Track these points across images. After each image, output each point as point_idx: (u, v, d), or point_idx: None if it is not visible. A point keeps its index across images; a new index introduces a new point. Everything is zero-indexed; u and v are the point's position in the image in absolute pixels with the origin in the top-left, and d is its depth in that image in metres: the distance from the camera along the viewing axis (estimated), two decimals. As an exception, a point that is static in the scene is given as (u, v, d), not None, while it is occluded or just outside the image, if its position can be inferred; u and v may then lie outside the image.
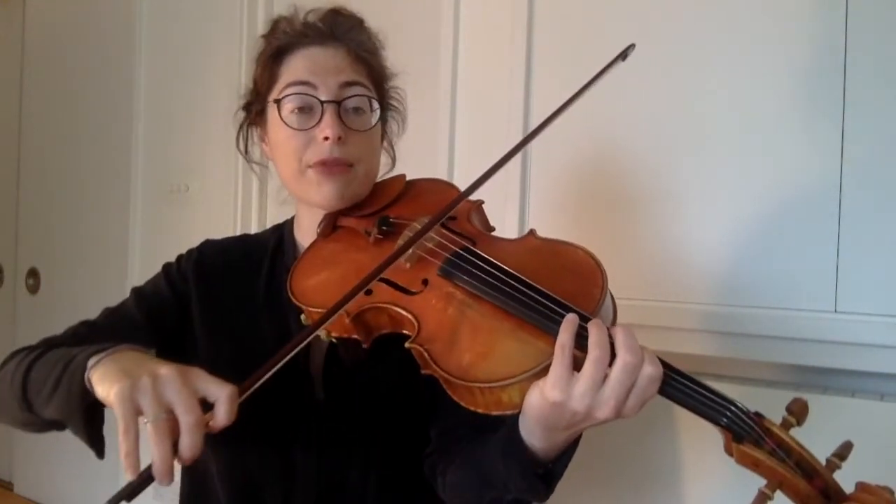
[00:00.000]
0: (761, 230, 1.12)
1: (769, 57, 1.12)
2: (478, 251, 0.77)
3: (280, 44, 0.90)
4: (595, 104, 1.29)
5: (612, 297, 0.73)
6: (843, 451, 0.64)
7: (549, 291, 0.69)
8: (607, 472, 1.24)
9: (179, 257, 1.01)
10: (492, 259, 0.75)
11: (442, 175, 1.49)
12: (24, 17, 2.68)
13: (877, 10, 1.03)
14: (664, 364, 0.65)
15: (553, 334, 0.65)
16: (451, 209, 0.78)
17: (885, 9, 1.03)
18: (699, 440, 1.16)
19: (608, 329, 0.64)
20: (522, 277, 0.71)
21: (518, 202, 1.38)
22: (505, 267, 0.73)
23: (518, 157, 1.38)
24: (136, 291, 1.00)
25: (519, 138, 1.39)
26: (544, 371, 0.64)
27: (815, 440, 1.07)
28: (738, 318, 1.12)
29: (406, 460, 0.89)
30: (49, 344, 0.93)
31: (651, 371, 0.63)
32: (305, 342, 0.67)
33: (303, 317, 0.83)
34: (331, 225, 0.91)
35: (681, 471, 1.17)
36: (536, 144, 1.38)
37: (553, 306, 0.67)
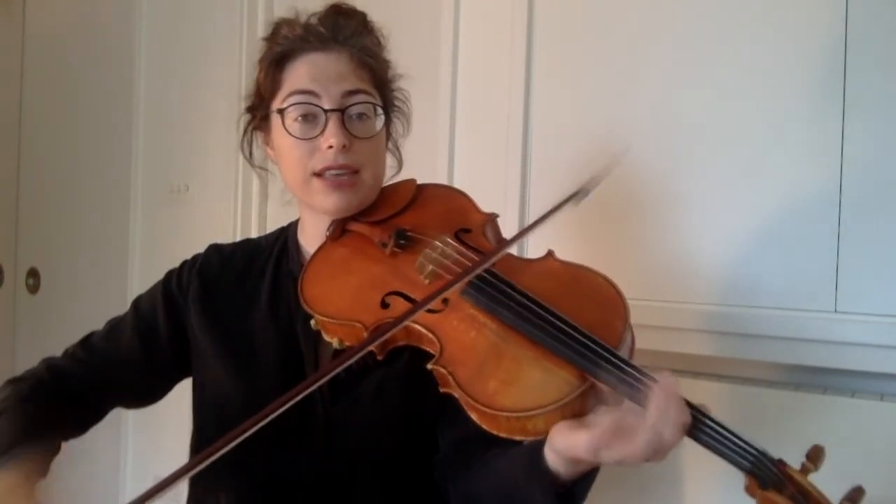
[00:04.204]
0: (761, 230, 1.12)
1: (769, 58, 1.11)
2: (500, 275, 0.76)
3: (282, 49, 0.90)
4: (594, 105, 1.30)
5: (632, 329, 0.72)
6: (856, 495, 0.64)
7: (573, 321, 0.69)
8: (612, 473, 1.24)
9: (183, 264, 1.01)
10: (516, 285, 0.74)
11: (442, 175, 1.49)
12: (24, 17, 2.68)
13: (877, 10, 1.03)
14: (692, 408, 0.63)
15: (578, 366, 0.65)
16: (492, 261, 0.75)
17: (885, 9, 1.03)
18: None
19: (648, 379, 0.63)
20: (547, 306, 0.71)
21: (518, 203, 1.38)
22: (530, 294, 0.72)
23: (518, 159, 1.39)
24: (135, 307, 1.01)
25: (519, 138, 1.40)
26: (569, 404, 0.64)
27: (815, 440, 1.08)
28: (738, 318, 1.12)
29: (414, 466, 0.88)
30: (47, 366, 0.97)
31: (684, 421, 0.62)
32: (263, 420, 0.64)
33: (313, 322, 0.82)
34: (340, 228, 0.90)
35: (685, 471, 1.17)
36: (536, 145, 1.38)
37: (582, 339, 0.67)
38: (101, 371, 0.96)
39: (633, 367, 0.65)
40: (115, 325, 1.00)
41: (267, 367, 0.91)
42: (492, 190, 1.41)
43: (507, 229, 1.37)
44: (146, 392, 1.00)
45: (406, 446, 0.88)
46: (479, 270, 0.74)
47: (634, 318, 1.19)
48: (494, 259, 0.75)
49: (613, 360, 0.65)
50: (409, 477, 0.89)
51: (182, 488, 0.65)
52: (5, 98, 2.71)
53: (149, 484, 0.62)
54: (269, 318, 0.93)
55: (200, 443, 0.97)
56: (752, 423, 1.11)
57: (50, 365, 0.97)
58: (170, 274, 1.00)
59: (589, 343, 0.66)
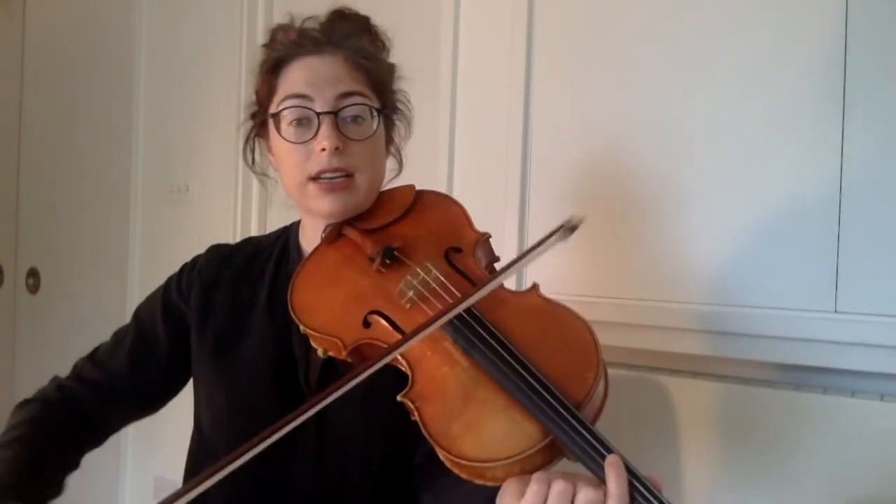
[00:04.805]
0: (761, 230, 1.12)
1: (769, 57, 1.12)
2: (480, 314, 0.75)
3: (277, 55, 0.89)
4: (595, 106, 1.30)
5: (605, 373, 0.72)
6: None
7: (544, 375, 0.69)
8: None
9: (182, 268, 1.01)
10: (492, 327, 0.74)
11: (442, 176, 1.49)
12: (24, 17, 2.68)
13: (877, 10, 1.03)
14: (641, 484, 0.63)
15: (542, 423, 0.66)
16: (472, 301, 0.74)
17: (885, 9, 1.03)
18: (698, 440, 1.15)
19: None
20: (521, 356, 0.71)
21: (518, 203, 1.38)
22: (506, 339, 0.72)
23: (518, 159, 1.39)
24: (136, 316, 1.01)
25: (519, 138, 1.40)
26: (528, 458, 0.65)
27: (816, 440, 1.08)
28: (737, 318, 1.12)
29: (403, 467, 0.88)
30: (57, 385, 0.98)
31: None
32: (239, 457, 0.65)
33: (301, 328, 0.82)
34: (335, 232, 0.90)
35: (681, 471, 1.17)
36: (536, 145, 1.38)
37: (549, 398, 0.67)
38: (108, 387, 0.98)
39: (591, 433, 0.65)
40: (119, 338, 1.01)
41: (261, 369, 0.91)
42: (492, 190, 1.41)
43: (507, 230, 1.38)
44: (154, 400, 1.02)
45: (395, 451, 0.88)
46: (449, 317, 0.72)
47: (635, 319, 1.20)
48: (467, 304, 0.73)
49: (575, 423, 0.65)
50: (399, 481, 0.88)
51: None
52: (5, 98, 2.71)
53: (148, 484, 0.62)
54: (267, 320, 0.92)
55: (200, 444, 0.97)
56: (752, 423, 1.11)
57: (59, 385, 0.98)
58: (169, 280, 1.00)
59: (553, 402, 0.66)
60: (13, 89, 2.69)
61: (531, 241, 1.37)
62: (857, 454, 1.02)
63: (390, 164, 0.99)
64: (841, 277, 1.05)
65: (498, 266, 0.90)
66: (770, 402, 1.09)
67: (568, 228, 0.71)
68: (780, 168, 1.10)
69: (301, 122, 0.87)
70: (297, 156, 0.87)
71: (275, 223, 1.86)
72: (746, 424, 1.12)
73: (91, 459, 0.99)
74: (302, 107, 0.86)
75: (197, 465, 0.96)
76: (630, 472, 0.63)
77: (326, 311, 0.82)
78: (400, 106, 0.98)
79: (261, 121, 0.93)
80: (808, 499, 1.05)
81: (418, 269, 0.82)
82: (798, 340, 1.07)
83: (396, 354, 0.72)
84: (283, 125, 0.87)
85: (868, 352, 1.02)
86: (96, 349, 1.01)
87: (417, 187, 0.97)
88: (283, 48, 0.90)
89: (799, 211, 1.09)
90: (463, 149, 1.50)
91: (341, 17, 0.92)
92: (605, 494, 0.62)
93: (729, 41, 1.15)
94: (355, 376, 0.68)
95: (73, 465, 0.94)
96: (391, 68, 0.96)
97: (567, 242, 0.72)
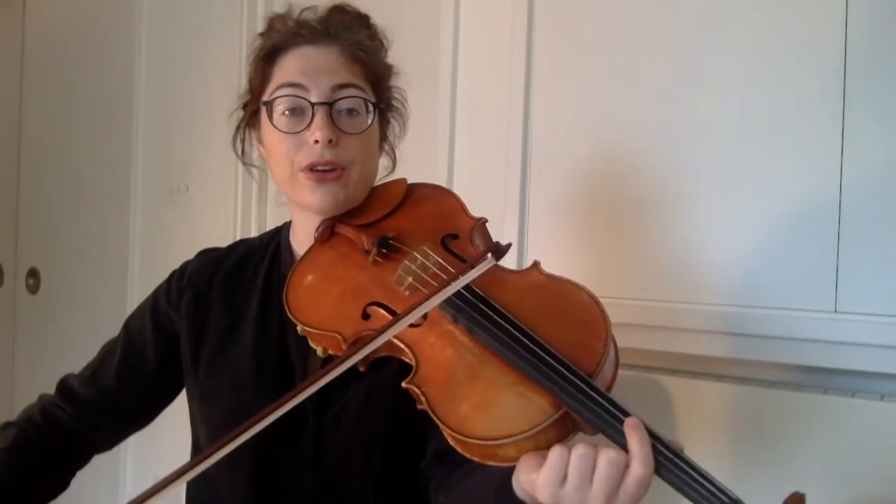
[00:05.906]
0: (762, 230, 1.12)
1: (769, 58, 1.11)
2: (480, 291, 0.74)
3: (273, 43, 0.88)
4: (595, 107, 1.30)
5: (614, 345, 0.71)
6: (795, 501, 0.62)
7: (552, 347, 0.67)
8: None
9: (171, 276, 0.98)
10: (495, 303, 0.73)
11: (442, 175, 1.49)
12: (24, 17, 2.68)
13: (877, 10, 1.03)
14: (666, 448, 0.62)
15: (554, 394, 0.64)
16: (463, 283, 0.72)
17: (885, 9, 1.03)
18: (698, 440, 1.15)
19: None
20: (525, 328, 0.70)
21: (518, 203, 1.38)
22: (509, 314, 0.71)
23: (518, 159, 1.39)
24: (125, 329, 0.99)
25: (519, 138, 1.40)
26: (542, 433, 0.64)
27: (816, 440, 1.08)
28: (738, 318, 1.12)
29: (405, 473, 0.87)
30: (41, 408, 0.97)
31: (640, 473, 0.61)
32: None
33: (299, 328, 0.81)
34: (328, 230, 0.89)
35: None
36: (536, 146, 1.38)
37: (559, 367, 0.65)
38: (97, 403, 0.96)
39: (607, 399, 0.64)
40: (107, 351, 0.99)
41: (259, 375, 0.89)
42: (492, 190, 1.41)
43: (507, 230, 1.38)
44: (143, 415, 1.00)
45: (396, 453, 0.87)
46: (444, 296, 0.71)
47: (635, 319, 1.20)
48: (458, 286, 0.72)
49: (588, 390, 0.64)
50: (399, 484, 0.87)
51: (182, 490, 0.65)
52: (5, 98, 2.71)
53: (148, 483, 0.62)
54: (262, 325, 0.91)
55: (197, 452, 0.96)
56: (752, 423, 1.11)
57: (43, 406, 0.97)
58: (158, 289, 0.98)
59: (564, 371, 0.65)
60: (13, 89, 2.69)
61: (531, 241, 1.37)
62: (857, 454, 1.02)
63: (383, 161, 0.97)
64: (841, 277, 1.05)
65: (495, 238, 0.89)
66: (770, 402, 1.09)
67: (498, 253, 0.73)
68: (780, 168, 1.10)
69: (294, 111, 0.85)
70: (288, 146, 0.85)
71: (273, 222, 1.87)
72: (746, 424, 1.12)
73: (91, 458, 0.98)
74: (296, 96, 0.84)
75: (199, 481, 0.94)
76: (651, 434, 0.62)
77: (324, 308, 0.81)
78: (395, 103, 0.96)
79: (252, 110, 0.92)
80: (809, 499, 1.05)
81: (416, 254, 0.81)
82: (798, 340, 1.07)
83: (392, 336, 0.71)
84: (276, 114, 0.85)
85: (868, 352, 1.02)
86: (85, 368, 0.99)
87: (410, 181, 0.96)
88: (279, 36, 0.88)
89: (799, 211, 1.08)
90: (463, 148, 1.49)
91: (340, 12, 0.90)
92: (627, 456, 0.61)
93: (729, 42, 1.15)
94: (359, 349, 0.67)
95: (61, 485, 0.93)
96: (388, 67, 0.94)
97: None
